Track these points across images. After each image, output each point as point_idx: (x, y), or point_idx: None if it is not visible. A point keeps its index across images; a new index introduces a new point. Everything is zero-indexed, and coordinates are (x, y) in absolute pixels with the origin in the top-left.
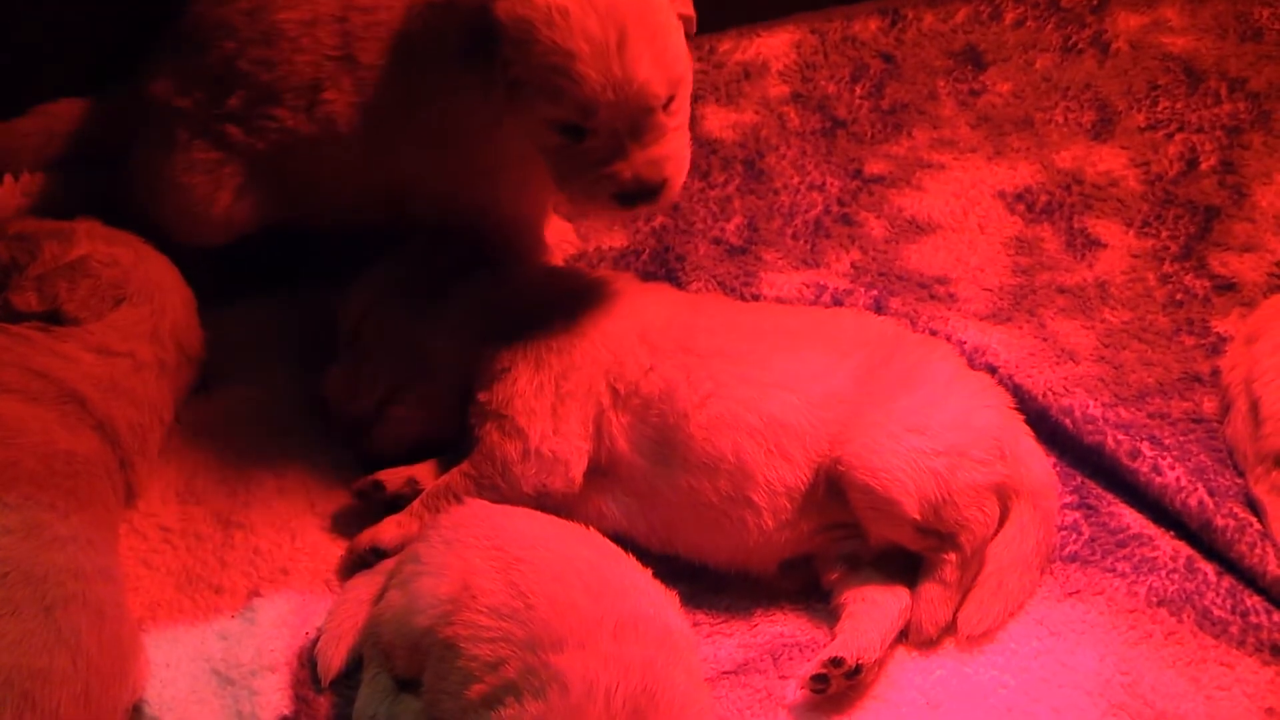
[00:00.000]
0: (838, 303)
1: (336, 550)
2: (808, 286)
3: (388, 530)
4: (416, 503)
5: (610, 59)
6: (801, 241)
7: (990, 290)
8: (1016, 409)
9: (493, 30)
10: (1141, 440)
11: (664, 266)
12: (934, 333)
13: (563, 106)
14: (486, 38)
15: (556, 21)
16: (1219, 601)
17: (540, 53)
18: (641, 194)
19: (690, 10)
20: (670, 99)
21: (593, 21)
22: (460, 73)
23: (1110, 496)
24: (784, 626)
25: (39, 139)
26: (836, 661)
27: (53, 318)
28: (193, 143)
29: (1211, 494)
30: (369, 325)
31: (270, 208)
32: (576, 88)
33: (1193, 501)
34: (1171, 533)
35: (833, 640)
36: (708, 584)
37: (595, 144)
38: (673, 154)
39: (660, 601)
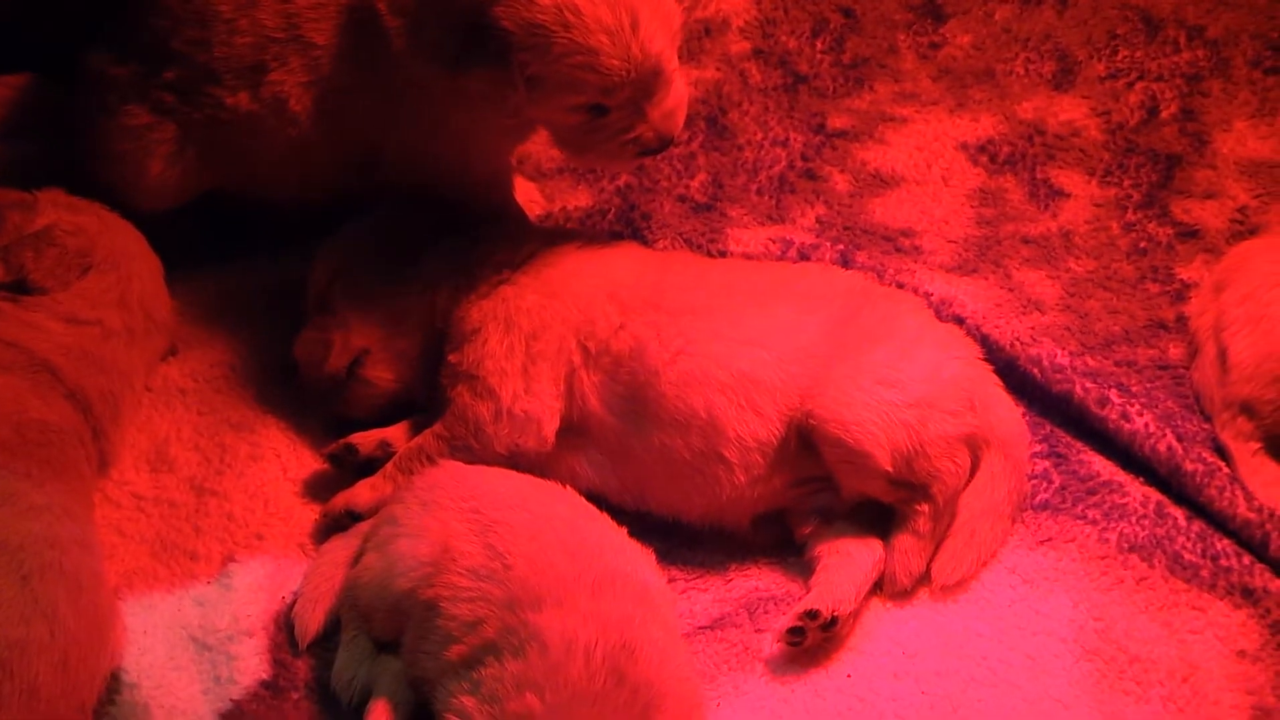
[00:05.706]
0: (804, 257)
1: (310, 514)
2: (774, 242)
3: (362, 493)
4: (390, 465)
5: (629, 43)
6: (766, 197)
7: (955, 242)
8: (985, 359)
9: (493, 32)
10: (1109, 388)
11: (630, 225)
12: (901, 285)
13: (586, 94)
14: (485, 38)
15: (570, 21)
16: (1190, 546)
17: (559, 53)
18: (662, 146)
19: None
20: None
21: (605, 12)
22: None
23: (1079, 444)
24: (759, 581)
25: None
26: (812, 614)
27: (19, 287)
28: (123, 108)
29: (1180, 439)
30: (339, 288)
31: (207, 177)
32: (602, 78)
33: (1161, 447)
34: (1141, 479)
35: (807, 593)
36: (682, 540)
37: (617, 116)
38: (681, 101)
39: (636, 558)
